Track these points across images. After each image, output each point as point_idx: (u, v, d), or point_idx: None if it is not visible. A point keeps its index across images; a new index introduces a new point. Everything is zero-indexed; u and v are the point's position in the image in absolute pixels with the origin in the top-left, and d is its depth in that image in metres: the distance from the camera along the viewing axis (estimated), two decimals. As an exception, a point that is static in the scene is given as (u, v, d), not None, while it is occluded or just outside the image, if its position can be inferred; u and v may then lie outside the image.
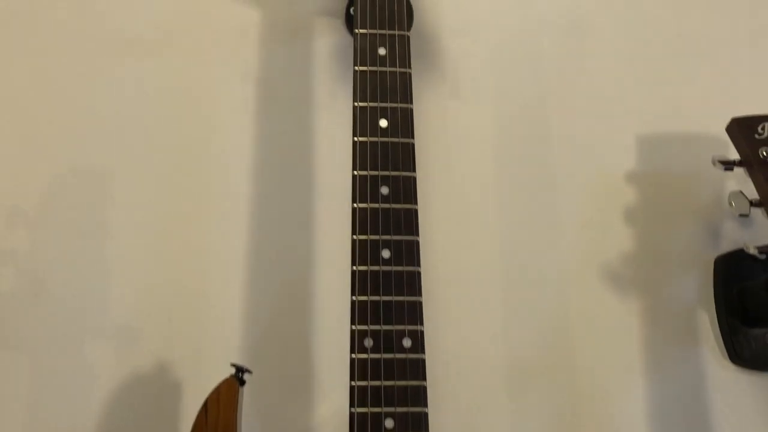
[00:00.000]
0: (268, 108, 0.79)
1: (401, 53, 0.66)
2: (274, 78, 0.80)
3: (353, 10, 0.71)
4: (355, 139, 0.63)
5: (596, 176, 0.79)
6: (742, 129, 0.69)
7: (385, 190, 0.61)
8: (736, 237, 0.76)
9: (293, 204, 0.76)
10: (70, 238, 0.74)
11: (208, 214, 0.75)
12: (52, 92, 0.79)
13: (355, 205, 0.60)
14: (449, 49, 0.83)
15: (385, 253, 0.59)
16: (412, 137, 0.63)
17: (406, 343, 0.57)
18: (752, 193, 0.67)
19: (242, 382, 0.60)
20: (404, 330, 0.57)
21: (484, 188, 0.78)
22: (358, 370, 0.56)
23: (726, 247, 0.76)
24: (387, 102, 0.64)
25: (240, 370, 0.60)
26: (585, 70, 0.83)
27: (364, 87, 0.65)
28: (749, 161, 0.67)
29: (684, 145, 0.80)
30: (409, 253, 0.59)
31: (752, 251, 0.65)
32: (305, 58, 0.82)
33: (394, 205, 0.61)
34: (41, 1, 0.83)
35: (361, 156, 0.62)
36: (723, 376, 0.73)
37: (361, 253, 0.59)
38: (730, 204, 0.67)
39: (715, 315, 0.75)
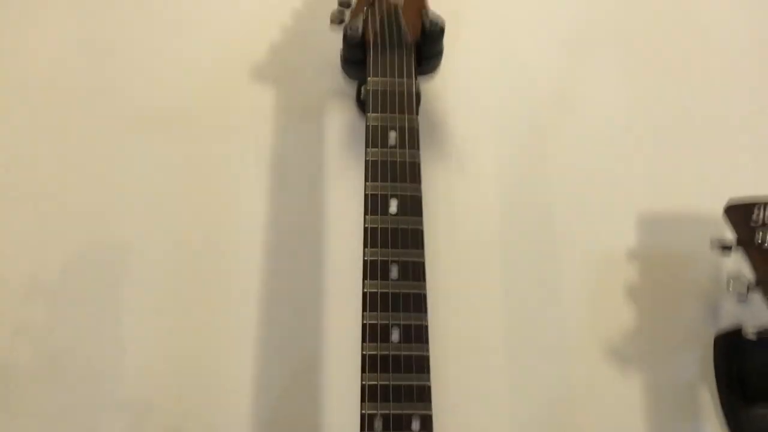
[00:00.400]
0: (280, 185, 0.82)
1: (411, 138, 0.69)
2: (286, 155, 0.83)
3: (364, 92, 0.74)
4: (366, 223, 0.65)
5: (598, 252, 0.81)
6: (738, 213, 0.71)
7: (394, 273, 0.63)
8: (735, 314, 0.78)
9: (304, 281, 0.78)
10: (86, 311, 0.76)
11: (221, 289, 0.77)
12: (72, 166, 0.82)
13: (365, 287, 0.63)
14: (454, 126, 0.86)
15: (395, 336, 0.61)
16: (421, 220, 0.66)
17: (415, 425, 0.58)
18: (750, 275, 0.69)
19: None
20: (413, 413, 0.58)
21: (489, 263, 0.80)
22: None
23: (726, 324, 0.78)
24: (397, 185, 0.67)
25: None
26: (586, 148, 0.86)
27: (375, 171, 0.68)
28: (746, 245, 0.70)
29: (684, 222, 0.82)
30: (418, 335, 0.61)
31: (750, 336, 0.66)
32: (317, 135, 0.85)
33: (403, 290, 0.63)
34: (63, 77, 0.87)
35: (372, 239, 0.65)
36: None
37: (371, 334, 0.61)
38: (729, 287, 0.69)
39: (716, 392, 0.76)
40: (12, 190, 0.81)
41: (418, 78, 0.74)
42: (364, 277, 0.63)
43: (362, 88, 0.82)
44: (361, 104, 0.84)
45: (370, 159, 0.68)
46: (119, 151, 0.83)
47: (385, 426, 0.58)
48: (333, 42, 0.80)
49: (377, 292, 0.62)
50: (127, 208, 0.80)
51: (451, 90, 0.88)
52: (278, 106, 0.86)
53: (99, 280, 0.77)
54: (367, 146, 0.68)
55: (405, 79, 0.71)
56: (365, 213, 0.66)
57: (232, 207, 0.81)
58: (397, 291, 0.63)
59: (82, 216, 0.80)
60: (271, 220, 0.81)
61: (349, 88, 0.84)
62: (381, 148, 0.68)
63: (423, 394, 0.59)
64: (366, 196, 0.67)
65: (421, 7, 0.75)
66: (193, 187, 0.82)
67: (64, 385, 0.73)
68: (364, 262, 0.64)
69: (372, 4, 0.77)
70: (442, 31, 0.74)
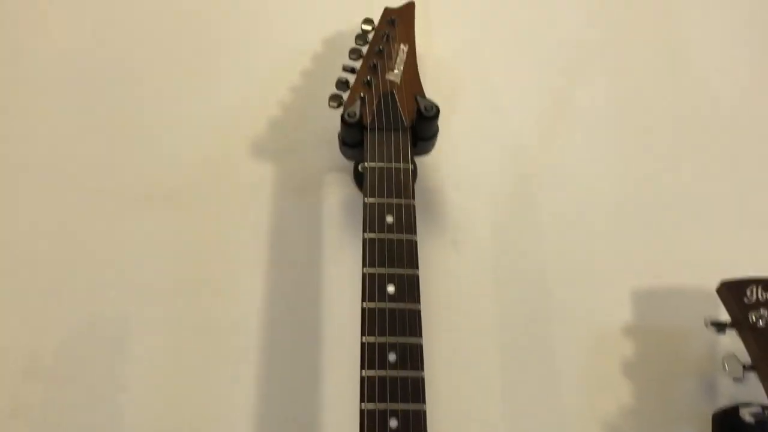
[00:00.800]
0: (277, 261, 0.83)
1: (407, 221, 0.70)
2: (284, 231, 0.85)
3: (361, 168, 0.76)
4: (364, 305, 0.66)
5: (593, 328, 0.81)
6: (731, 292, 0.72)
7: (392, 357, 0.64)
8: (732, 392, 0.78)
9: (301, 356, 0.78)
10: (84, 389, 0.75)
11: (218, 368, 0.77)
12: (72, 242, 0.83)
13: (363, 373, 0.63)
14: (449, 200, 0.88)
15: (393, 423, 0.61)
16: (418, 303, 0.66)
17: None
18: (746, 354, 0.70)
19: None
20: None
21: (484, 340, 0.80)
22: None
23: (723, 402, 0.78)
24: (394, 268, 0.68)
25: None
26: (580, 222, 0.87)
27: (373, 253, 0.69)
28: (739, 326, 0.70)
29: (679, 297, 0.83)
30: (416, 423, 0.61)
31: (747, 419, 0.67)
32: (316, 211, 0.86)
33: (401, 372, 0.63)
34: (63, 152, 0.89)
35: (369, 323, 0.65)
36: None
37: (369, 424, 0.61)
38: (724, 367, 0.70)
39: (715, 471, 0.76)
40: (10, 265, 0.82)
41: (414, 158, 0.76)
42: (362, 362, 0.63)
43: (359, 165, 0.84)
44: (359, 180, 0.85)
45: (368, 242, 0.69)
46: (118, 226, 0.84)
47: None
48: (331, 119, 0.82)
49: (375, 376, 0.62)
50: (125, 283, 0.81)
51: (446, 164, 0.90)
52: (277, 182, 0.88)
53: (97, 357, 0.77)
54: (364, 230, 0.69)
55: (402, 164, 0.73)
56: (362, 300, 0.66)
57: (230, 283, 0.82)
58: (395, 375, 0.63)
59: (80, 292, 0.80)
60: (269, 297, 0.81)
61: (347, 163, 0.85)
62: (378, 232, 0.69)
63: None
64: (363, 275, 0.67)
65: (417, 92, 0.78)
66: (191, 262, 0.83)
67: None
68: (362, 346, 0.64)
69: (368, 86, 0.79)
70: (437, 114, 0.76)
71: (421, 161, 0.86)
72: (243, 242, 0.84)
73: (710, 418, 0.77)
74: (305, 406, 0.76)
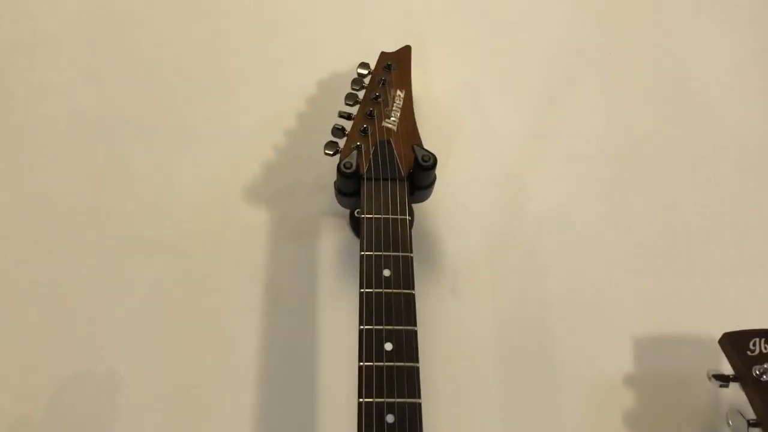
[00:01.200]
0: (274, 307, 0.82)
1: (405, 274, 0.69)
2: (280, 276, 0.83)
3: (357, 213, 0.75)
4: (361, 363, 0.65)
5: (594, 377, 0.80)
6: (733, 344, 0.71)
7: (390, 418, 0.62)
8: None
9: (298, 401, 0.76)
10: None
11: (213, 417, 0.76)
12: (62, 292, 0.82)
13: (361, 435, 0.61)
14: (447, 246, 0.87)
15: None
16: (417, 361, 0.65)
17: None
18: (750, 408, 0.69)
19: None
20: None
21: (485, 389, 0.79)
22: None
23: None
24: (392, 325, 0.67)
25: None
26: (581, 269, 0.86)
27: (370, 309, 0.67)
28: (743, 379, 0.69)
29: (682, 346, 0.82)
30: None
31: (753, 478, 0.65)
32: (311, 256, 0.85)
33: (399, 433, 0.62)
34: (53, 201, 0.88)
35: (367, 382, 0.64)
36: None
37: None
38: (728, 423, 0.69)
39: None
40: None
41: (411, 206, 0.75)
42: (359, 428, 0.61)
43: (356, 211, 0.83)
44: (355, 225, 0.85)
45: (365, 296, 0.67)
46: (109, 275, 0.83)
47: None
48: (325, 164, 0.81)
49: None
50: (117, 334, 0.79)
51: (443, 206, 0.89)
52: (271, 227, 0.87)
53: (88, 412, 0.75)
54: (361, 285, 0.68)
55: (399, 215, 0.72)
56: (359, 358, 0.64)
57: (224, 330, 0.80)
58: (393, 437, 0.61)
59: (70, 345, 0.79)
60: (264, 344, 0.80)
61: (343, 209, 0.84)
62: (375, 287, 0.68)
63: None
64: (360, 332, 0.66)
65: (414, 142, 0.77)
66: (185, 310, 0.82)
67: None
68: (359, 405, 0.63)
69: (365, 134, 0.78)
70: (434, 164, 0.75)
71: (418, 205, 0.85)
72: (237, 288, 0.82)
73: (714, 470, 0.76)
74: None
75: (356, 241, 0.74)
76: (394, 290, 0.68)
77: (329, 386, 0.77)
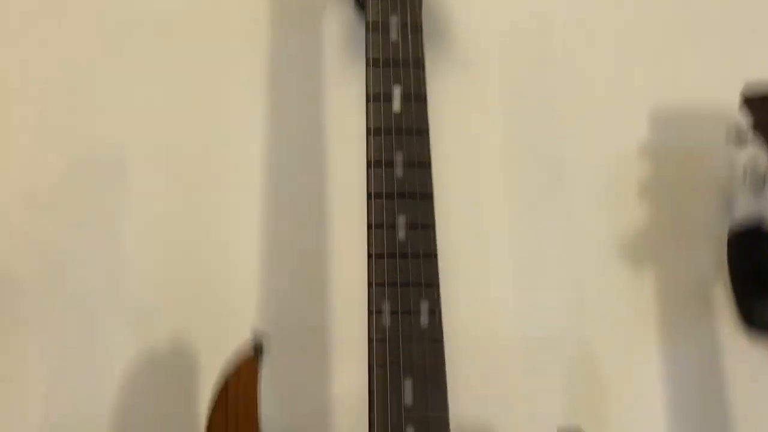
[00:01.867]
0: (278, 94, 0.81)
1: (414, 40, 0.67)
2: (284, 63, 0.82)
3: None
4: (369, 125, 0.64)
5: (609, 152, 0.79)
6: (755, 96, 0.68)
7: (399, 171, 0.62)
8: (749, 209, 0.77)
9: (306, 187, 0.77)
10: (88, 220, 0.76)
11: (223, 196, 0.77)
12: (69, 75, 0.81)
13: (369, 190, 0.62)
14: (458, 32, 0.84)
15: (401, 236, 0.60)
16: (427, 126, 0.64)
17: (424, 320, 0.59)
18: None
19: (260, 354, 0.61)
20: (420, 309, 0.59)
21: (496, 169, 0.79)
22: (377, 350, 0.58)
23: (740, 219, 0.77)
24: (400, 85, 0.65)
25: (258, 347, 0.62)
26: (594, 47, 0.83)
27: (377, 75, 0.66)
28: (763, 128, 0.67)
29: (696, 118, 0.80)
30: (426, 240, 0.60)
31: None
32: (315, 42, 0.83)
33: (408, 188, 0.62)
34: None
35: (375, 147, 0.63)
36: (737, 347, 0.74)
37: (377, 240, 0.60)
38: (745, 177, 0.68)
39: (730, 286, 0.76)
40: (6, 95, 0.80)
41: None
42: (368, 185, 0.61)
43: (361, -7, 0.80)
44: (360, 5, 0.81)
45: (371, 60, 0.66)
46: (115, 58, 0.81)
47: (394, 323, 0.58)
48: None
49: (382, 192, 0.61)
50: (125, 116, 0.79)
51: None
52: (275, 13, 0.84)
53: (99, 189, 0.77)
54: (367, 52, 0.66)
55: (406, -25, 0.68)
56: (367, 122, 0.64)
57: (230, 115, 0.80)
58: (403, 191, 0.62)
59: (80, 125, 0.79)
60: (271, 130, 0.79)
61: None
62: (383, 54, 0.65)
63: (431, 295, 0.59)
64: (368, 96, 0.65)
65: None
66: (189, 95, 0.80)
67: (65, 294, 0.73)
68: (368, 164, 0.62)
69: None
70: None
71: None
72: (242, 72, 0.81)
73: (726, 235, 0.77)
74: (311, 229, 0.76)
75: (361, 25, 0.71)
76: (403, 55, 0.66)
77: (337, 159, 0.78)
